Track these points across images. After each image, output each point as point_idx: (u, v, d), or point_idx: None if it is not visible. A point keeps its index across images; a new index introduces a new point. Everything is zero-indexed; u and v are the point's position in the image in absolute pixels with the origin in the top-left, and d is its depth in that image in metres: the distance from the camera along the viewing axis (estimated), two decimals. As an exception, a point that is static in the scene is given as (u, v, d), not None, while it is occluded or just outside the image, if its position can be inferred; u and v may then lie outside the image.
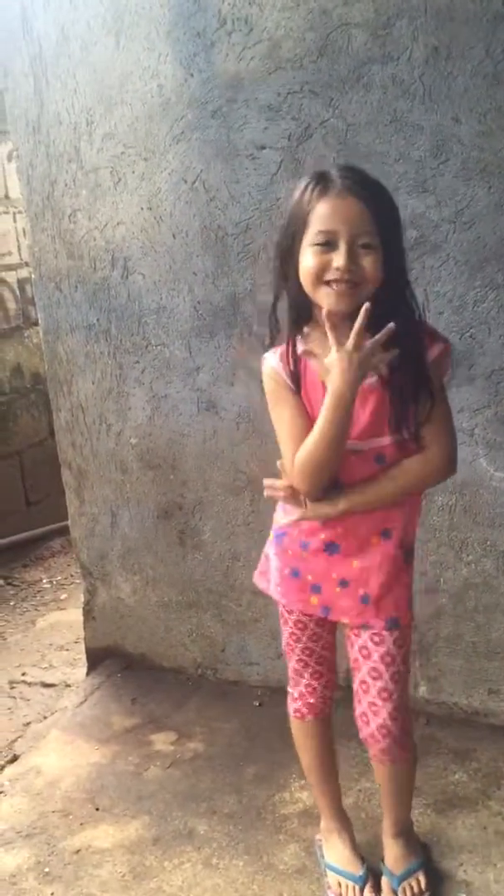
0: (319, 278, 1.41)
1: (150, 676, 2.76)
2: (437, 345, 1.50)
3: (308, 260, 1.41)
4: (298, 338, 1.53)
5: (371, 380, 1.47)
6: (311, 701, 1.79)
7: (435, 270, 2.09)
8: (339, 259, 1.38)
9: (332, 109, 2.09)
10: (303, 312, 1.51)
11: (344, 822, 1.87)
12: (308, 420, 1.52)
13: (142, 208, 2.39)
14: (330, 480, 1.52)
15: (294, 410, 1.54)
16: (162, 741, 2.41)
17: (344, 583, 1.59)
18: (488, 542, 2.23)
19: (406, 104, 2.02)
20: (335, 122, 2.10)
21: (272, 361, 1.56)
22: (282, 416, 1.56)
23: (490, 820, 1.99)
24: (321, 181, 1.41)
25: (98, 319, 2.55)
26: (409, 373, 1.46)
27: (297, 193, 1.44)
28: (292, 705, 1.82)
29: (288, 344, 1.54)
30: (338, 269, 1.38)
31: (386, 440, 1.51)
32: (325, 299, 1.42)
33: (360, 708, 1.68)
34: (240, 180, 2.25)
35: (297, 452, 1.49)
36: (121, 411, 2.61)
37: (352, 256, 1.38)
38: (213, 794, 2.15)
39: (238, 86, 2.18)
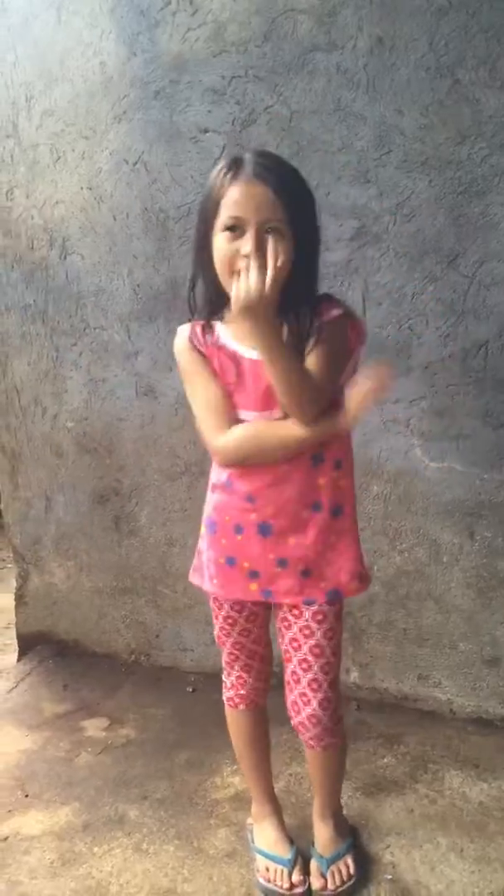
0: (231, 266, 1.39)
1: (82, 662, 2.73)
2: (335, 310, 1.46)
3: (219, 246, 1.40)
4: (216, 321, 1.53)
5: None
6: (243, 692, 1.80)
7: (375, 261, 2.11)
8: (246, 246, 1.37)
9: (276, 95, 2.09)
10: (218, 296, 1.48)
11: (274, 805, 1.88)
12: (222, 389, 1.52)
13: (82, 188, 2.35)
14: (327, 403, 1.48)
15: (211, 380, 1.53)
16: (94, 727, 2.39)
17: (282, 562, 1.59)
18: (421, 531, 2.27)
19: (350, 94, 2.02)
20: (279, 109, 2.09)
21: (185, 332, 1.56)
22: (197, 387, 1.55)
23: (417, 803, 2.03)
24: (234, 166, 1.39)
25: (35, 300, 2.50)
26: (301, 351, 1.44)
27: (211, 177, 1.43)
28: (226, 693, 1.83)
29: (204, 323, 1.54)
30: (245, 255, 1.37)
31: (279, 414, 1.49)
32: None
33: (291, 697, 1.70)
34: (182, 163, 2.23)
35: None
36: (57, 394, 2.57)
37: (259, 243, 1.37)
38: (144, 780, 2.14)
39: (182, 67, 2.15)
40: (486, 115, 1.95)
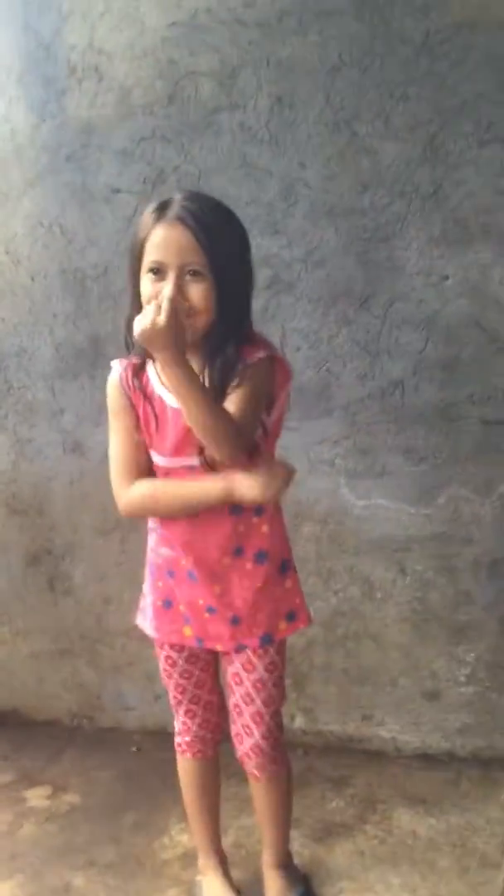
0: None
1: (23, 731, 2.66)
2: (260, 352, 1.47)
3: (144, 288, 1.42)
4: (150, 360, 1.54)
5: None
6: (188, 738, 1.78)
7: (290, 308, 2.17)
8: (166, 289, 1.38)
9: (184, 155, 2.15)
10: None
11: (219, 858, 1.85)
12: (137, 439, 1.54)
13: (-2, 252, 2.37)
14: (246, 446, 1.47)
15: (128, 428, 1.54)
16: (36, 796, 2.32)
17: (211, 609, 1.59)
18: (354, 570, 2.29)
19: (254, 150, 2.10)
20: (188, 167, 2.16)
21: (117, 370, 1.56)
22: (115, 431, 1.56)
23: (367, 844, 2.01)
24: (161, 208, 1.42)
25: (-44, 364, 2.49)
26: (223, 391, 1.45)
27: (140, 219, 1.45)
28: (176, 738, 1.81)
29: (137, 363, 1.55)
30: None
31: (194, 461, 1.49)
32: None
33: (234, 728, 1.71)
34: (97, 223, 2.27)
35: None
36: (-17, 457, 2.55)
37: (180, 286, 1.39)
38: (90, 846, 2.08)
39: (91, 131, 2.21)
40: (385, 164, 2.04)
